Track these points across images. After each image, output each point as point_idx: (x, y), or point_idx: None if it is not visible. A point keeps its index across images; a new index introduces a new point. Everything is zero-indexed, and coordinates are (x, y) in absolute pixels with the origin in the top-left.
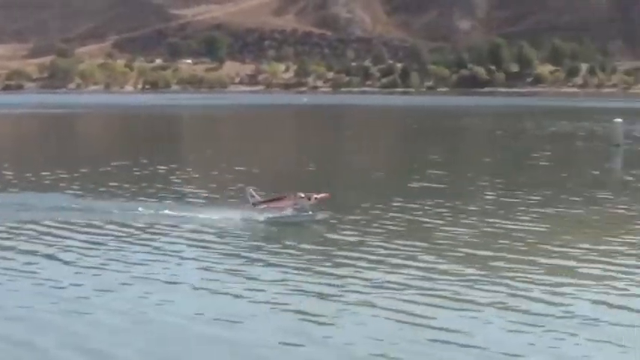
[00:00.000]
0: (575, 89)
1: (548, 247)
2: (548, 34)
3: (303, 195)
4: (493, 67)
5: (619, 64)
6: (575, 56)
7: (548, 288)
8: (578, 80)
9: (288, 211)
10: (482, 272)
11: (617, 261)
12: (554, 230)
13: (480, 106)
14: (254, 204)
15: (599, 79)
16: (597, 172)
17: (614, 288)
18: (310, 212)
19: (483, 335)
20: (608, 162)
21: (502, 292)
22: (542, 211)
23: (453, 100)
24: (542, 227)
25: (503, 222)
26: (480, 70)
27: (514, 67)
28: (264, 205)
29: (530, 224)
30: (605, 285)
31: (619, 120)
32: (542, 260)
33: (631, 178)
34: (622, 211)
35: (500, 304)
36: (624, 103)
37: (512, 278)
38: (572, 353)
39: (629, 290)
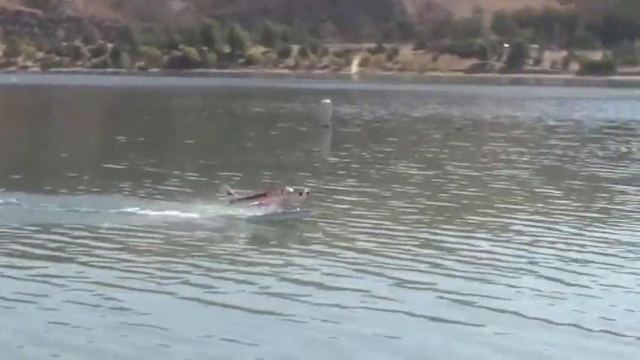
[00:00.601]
0: (286, 70)
1: (227, 234)
2: (260, 16)
3: (291, 190)
4: (205, 48)
5: (330, 45)
6: (286, 38)
7: (223, 276)
8: (290, 61)
9: (272, 208)
10: (180, 261)
11: (286, 251)
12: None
13: (190, 87)
14: (232, 202)
15: (311, 61)
16: (302, 154)
17: (277, 274)
18: (299, 209)
19: (177, 321)
20: (315, 143)
21: (195, 285)
22: None
23: (165, 81)
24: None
25: (191, 205)
26: (192, 51)
27: (226, 49)
28: (255, 202)
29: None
30: (269, 272)
31: (328, 101)
32: (213, 248)
33: (336, 159)
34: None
35: (191, 293)
36: (334, 84)
37: (191, 265)
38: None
39: (295, 278)
